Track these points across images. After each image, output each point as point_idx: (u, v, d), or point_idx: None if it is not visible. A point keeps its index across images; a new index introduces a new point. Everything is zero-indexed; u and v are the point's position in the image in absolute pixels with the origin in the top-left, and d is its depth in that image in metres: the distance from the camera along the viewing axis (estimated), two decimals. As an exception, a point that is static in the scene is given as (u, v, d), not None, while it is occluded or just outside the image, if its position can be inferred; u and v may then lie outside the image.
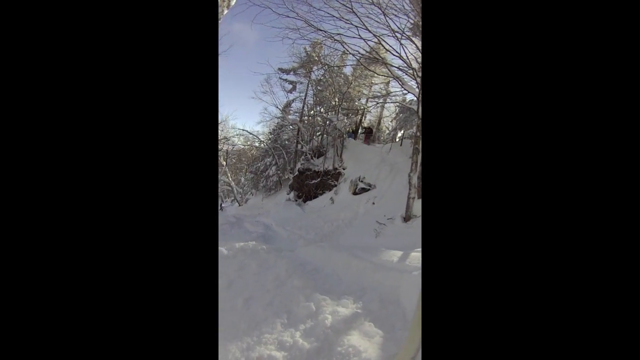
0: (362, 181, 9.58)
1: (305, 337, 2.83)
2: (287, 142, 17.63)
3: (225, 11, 2.45)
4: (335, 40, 8.18)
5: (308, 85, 14.88)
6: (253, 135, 18.70)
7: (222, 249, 5.82)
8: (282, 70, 15.44)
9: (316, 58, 13.07)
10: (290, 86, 16.18)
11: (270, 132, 19.24)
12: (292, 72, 15.43)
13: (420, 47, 7.04)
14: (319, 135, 14.12)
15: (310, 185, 11.42)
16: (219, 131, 16.95)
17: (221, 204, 20.37)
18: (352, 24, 7.47)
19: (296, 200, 11.92)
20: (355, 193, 9.31)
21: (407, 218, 6.60)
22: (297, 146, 15.03)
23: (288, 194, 12.89)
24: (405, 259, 4.15)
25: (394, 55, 7.86)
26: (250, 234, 8.53)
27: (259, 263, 4.82)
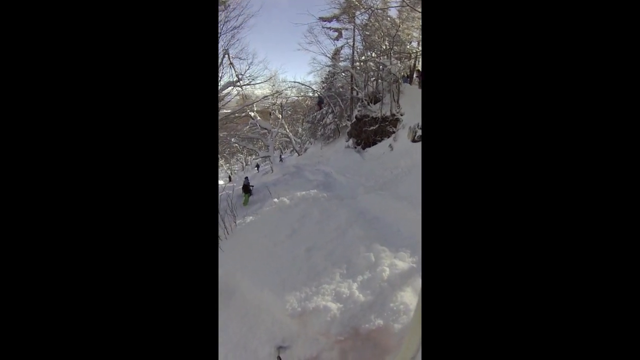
0: (420, 128, 9.18)
1: (362, 289, 2.92)
2: (341, 90, 17.21)
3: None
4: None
5: (354, 31, 14.13)
6: (305, 85, 18.43)
7: (284, 199, 6.06)
8: (323, 19, 14.71)
9: (356, 2, 12.23)
10: (336, 33, 15.49)
11: (322, 81, 18.89)
12: (334, 20, 14.67)
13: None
14: (374, 80, 13.55)
15: (368, 132, 11.21)
16: (270, 86, 16.99)
17: (281, 156, 20.87)
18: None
19: (355, 148, 11.82)
20: (414, 140, 8.97)
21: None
22: (352, 93, 14.63)
23: (347, 142, 12.79)
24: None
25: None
26: (310, 182, 8.71)
27: (321, 211, 4.95)
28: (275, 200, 6.26)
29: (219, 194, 8.88)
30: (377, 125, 10.89)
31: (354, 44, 14.23)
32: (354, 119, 12.33)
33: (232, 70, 11.62)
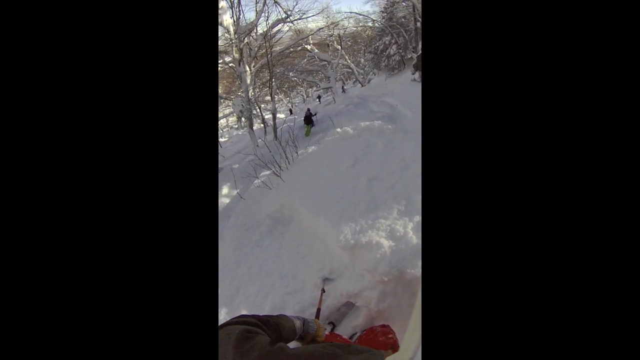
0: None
1: (416, 230, 2.78)
2: (403, 20, 15.92)
3: None
4: None
5: None
6: (363, 15, 17.33)
7: (348, 129, 5.87)
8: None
9: None
10: None
11: (382, 11, 17.60)
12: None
13: None
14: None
15: (436, 62, 10.32)
16: (324, 18, 16.14)
17: (343, 87, 20.37)
18: None
19: (421, 81, 11.06)
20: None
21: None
22: (415, 24, 13.43)
23: (413, 74, 12.04)
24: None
25: None
26: (375, 113, 8.37)
27: (385, 142, 4.72)
28: (339, 129, 6.07)
29: (280, 127, 8.92)
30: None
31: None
32: (420, 51, 11.41)
33: (279, 8, 11.01)
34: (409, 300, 2.47)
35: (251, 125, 10.08)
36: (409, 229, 2.81)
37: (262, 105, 12.77)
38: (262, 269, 3.61)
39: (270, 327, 0.87)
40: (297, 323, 1.03)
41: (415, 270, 2.48)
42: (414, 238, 2.71)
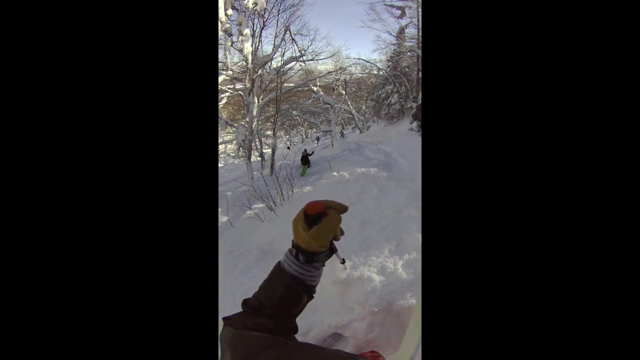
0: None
1: (406, 267, 2.94)
2: (407, 70, 16.65)
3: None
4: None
5: (418, 9, 13.45)
6: (370, 63, 18.10)
7: (344, 173, 6.07)
8: (385, -5, 14.18)
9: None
10: (399, 11, 14.87)
11: (387, 60, 18.41)
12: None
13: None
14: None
15: (434, 115, 10.76)
16: (334, 62, 16.91)
17: (342, 131, 20.85)
18: None
19: (419, 131, 11.44)
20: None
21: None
22: (418, 74, 14.11)
23: (411, 124, 12.44)
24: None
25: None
26: (370, 160, 8.61)
27: (379, 189, 4.91)
28: (335, 173, 6.29)
29: (279, 163, 9.13)
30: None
31: (418, 22, 13.65)
32: (420, 101, 11.91)
33: (295, 46, 11.77)
34: (398, 330, 2.53)
35: (249, 156, 10.28)
36: (399, 266, 2.95)
37: (262, 139, 13.05)
38: (248, 296, 3.63)
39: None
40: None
41: (404, 301, 2.58)
42: (404, 274, 2.84)
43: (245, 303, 0.76)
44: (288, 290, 0.74)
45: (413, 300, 2.57)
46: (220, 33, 6.51)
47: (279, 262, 0.78)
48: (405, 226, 3.59)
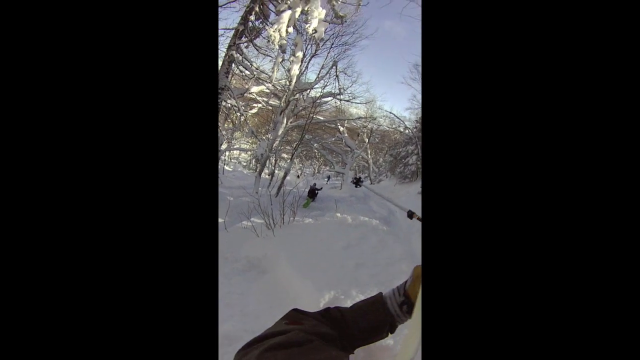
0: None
1: None
2: (432, 132, 16.88)
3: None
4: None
5: None
6: (399, 119, 18.43)
7: (348, 217, 6.20)
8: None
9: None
10: None
11: (416, 121, 18.55)
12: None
13: None
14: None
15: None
16: (366, 109, 17.42)
17: (356, 179, 20.98)
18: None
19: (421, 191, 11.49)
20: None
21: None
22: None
23: (421, 188, 12.49)
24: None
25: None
26: (374, 213, 8.70)
27: (379, 240, 5.01)
28: (338, 214, 6.48)
29: (290, 188, 9.25)
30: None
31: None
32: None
33: (337, 82, 12.18)
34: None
35: (261, 171, 10.45)
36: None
37: (278, 159, 13.26)
38: (224, 300, 3.63)
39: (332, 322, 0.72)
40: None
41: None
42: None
43: (327, 310, 0.77)
44: (381, 322, 0.78)
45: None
46: (276, 47, 6.81)
47: (382, 294, 0.82)
48: (397, 278, 3.65)
